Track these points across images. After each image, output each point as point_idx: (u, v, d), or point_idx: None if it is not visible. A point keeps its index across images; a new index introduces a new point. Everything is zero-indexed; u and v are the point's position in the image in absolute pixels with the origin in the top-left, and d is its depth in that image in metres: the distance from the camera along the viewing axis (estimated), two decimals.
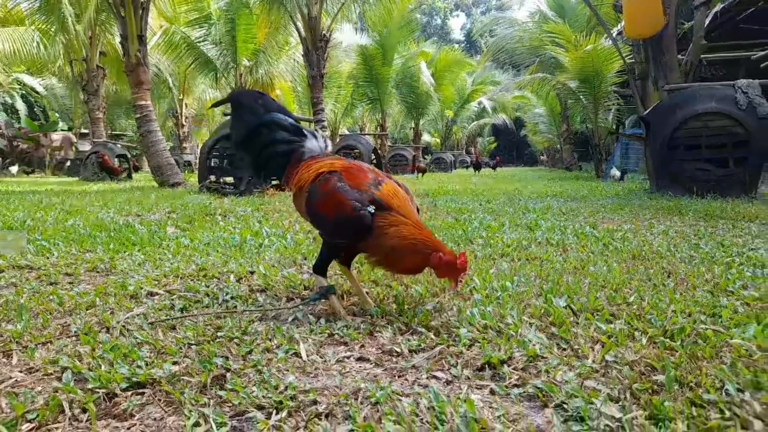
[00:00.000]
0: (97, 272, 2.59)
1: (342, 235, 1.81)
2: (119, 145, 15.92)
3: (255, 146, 2.04)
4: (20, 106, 25.31)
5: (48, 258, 2.86)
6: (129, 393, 1.26)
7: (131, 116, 17.08)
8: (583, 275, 2.38)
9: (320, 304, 1.99)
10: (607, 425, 1.07)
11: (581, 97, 14.73)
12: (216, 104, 2.47)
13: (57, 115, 25.91)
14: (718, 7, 9.55)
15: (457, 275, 1.70)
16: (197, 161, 10.75)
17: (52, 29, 14.28)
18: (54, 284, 2.34)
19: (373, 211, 1.73)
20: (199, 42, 16.86)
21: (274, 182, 7.84)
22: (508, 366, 1.38)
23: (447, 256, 1.69)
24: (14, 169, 20.56)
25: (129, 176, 14.56)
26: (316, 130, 2.21)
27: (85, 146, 18.06)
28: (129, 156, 15.59)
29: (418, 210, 1.90)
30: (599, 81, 13.73)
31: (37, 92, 24.50)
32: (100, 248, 3.14)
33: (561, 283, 2.19)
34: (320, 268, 1.94)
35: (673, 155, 6.60)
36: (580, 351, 1.47)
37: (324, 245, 1.97)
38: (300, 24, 13.02)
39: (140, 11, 10.11)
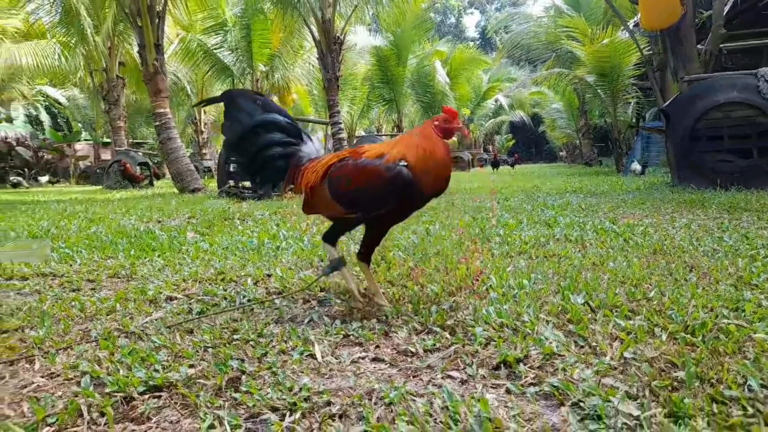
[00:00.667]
0: (119, 278, 2.63)
1: (388, 200, 1.74)
2: (140, 153, 16.19)
3: (250, 148, 1.96)
4: (44, 117, 25.88)
5: (71, 265, 2.92)
6: (146, 396, 1.27)
7: (151, 124, 17.32)
8: (602, 271, 2.34)
9: (335, 301, 2.00)
10: (625, 423, 1.05)
11: (599, 91, 14.52)
12: (205, 102, 2.32)
13: (80, 125, 26.45)
14: None
15: (454, 121, 1.77)
16: (216, 167, 10.87)
17: (73, 41, 14.64)
18: (76, 290, 2.39)
19: (405, 164, 1.71)
20: (216, 49, 17.04)
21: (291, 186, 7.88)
22: (524, 364, 1.37)
23: (438, 122, 1.77)
24: (44, 179, 21.11)
25: (150, 183, 14.78)
26: (311, 134, 2.15)
27: (107, 155, 18.42)
28: (150, 163, 15.84)
29: None
30: (617, 74, 13.51)
31: (60, 103, 25.03)
32: (121, 255, 3.20)
33: (579, 280, 2.16)
34: (330, 237, 1.93)
35: (695, 147, 6.46)
36: (597, 348, 1.45)
37: (338, 222, 1.94)
38: (314, 27, 13.08)
39: (157, 20, 10.29)
